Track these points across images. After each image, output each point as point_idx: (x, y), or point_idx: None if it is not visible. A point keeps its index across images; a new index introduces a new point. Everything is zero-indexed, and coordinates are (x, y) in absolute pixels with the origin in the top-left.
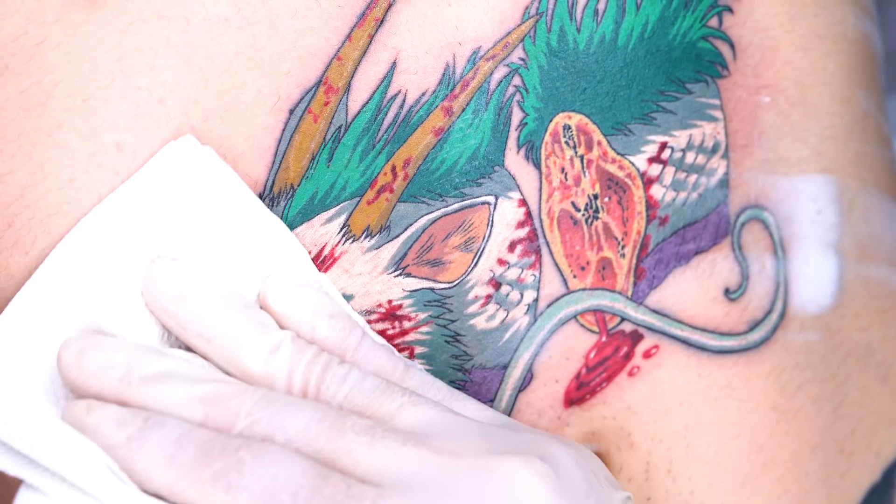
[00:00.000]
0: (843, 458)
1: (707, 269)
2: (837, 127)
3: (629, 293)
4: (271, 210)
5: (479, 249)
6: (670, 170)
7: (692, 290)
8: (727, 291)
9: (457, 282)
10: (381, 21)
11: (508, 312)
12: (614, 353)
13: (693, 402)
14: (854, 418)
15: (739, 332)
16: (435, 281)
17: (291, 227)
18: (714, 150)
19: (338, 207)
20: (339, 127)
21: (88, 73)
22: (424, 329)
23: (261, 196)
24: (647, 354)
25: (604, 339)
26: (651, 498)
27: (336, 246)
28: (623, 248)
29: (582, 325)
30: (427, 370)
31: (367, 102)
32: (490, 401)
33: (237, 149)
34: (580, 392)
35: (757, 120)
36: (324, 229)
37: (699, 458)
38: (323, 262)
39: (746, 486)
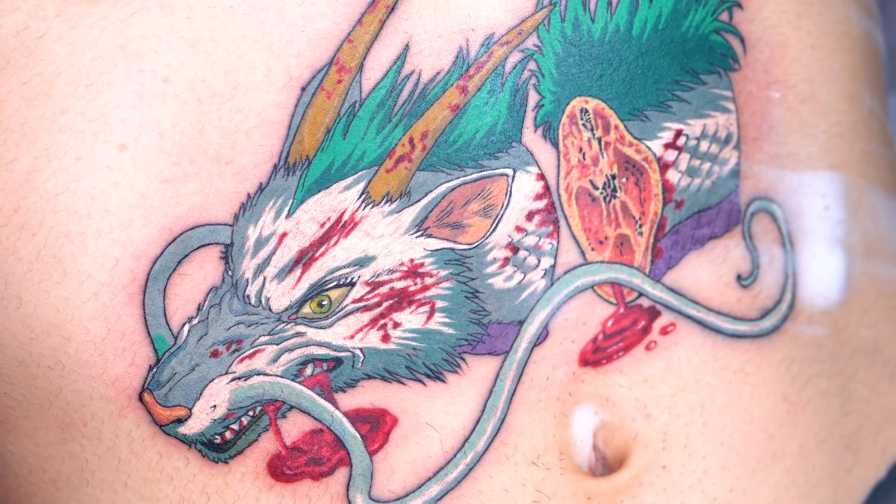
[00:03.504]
0: (849, 453)
1: (721, 254)
2: (844, 125)
3: (647, 270)
4: (287, 179)
5: (497, 216)
6: (685, 156)
7: (707, 273)
8: (739, 278)
9: (476, 244)
10: (393, 8)
11: (525, 275)
12: (632, 325)
13: (708, 381)
14: (861, 415)
15: (751, 318)
16: (455, 242)
17: (308, 194)
18: (727, 140)
19: (356, 176)
20: (354, 103)
21: (91, 61)
22: (445, 285)
23: (275, 167)
24: (664, 331)
25: (622, 310)
26: (667, 467)
27: (356, 211)
28: (640, 226)
29: (599, 296)
30: (447, 323)
31: (380, 81)
32: (506, 352)
33: (248, 123)
34: (596, 355)
35: (767, 114)
36: (342, 196)
37: (714, 437)
38: (343, 226)
39: (756, 474)
